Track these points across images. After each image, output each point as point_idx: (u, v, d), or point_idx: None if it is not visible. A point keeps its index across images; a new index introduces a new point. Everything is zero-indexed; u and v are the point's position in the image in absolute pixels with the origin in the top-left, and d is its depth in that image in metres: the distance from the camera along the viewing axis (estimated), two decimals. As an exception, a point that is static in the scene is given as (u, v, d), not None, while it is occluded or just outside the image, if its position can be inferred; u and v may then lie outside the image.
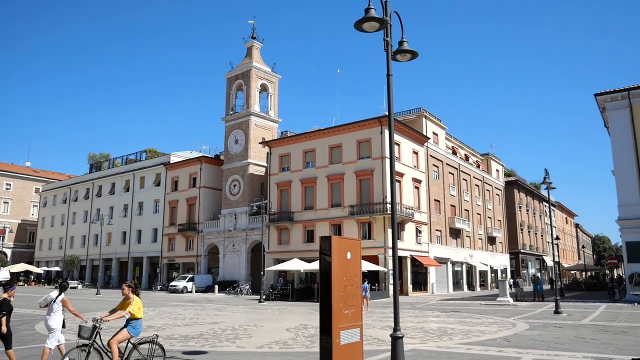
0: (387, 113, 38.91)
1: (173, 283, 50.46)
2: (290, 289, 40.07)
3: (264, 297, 35.94)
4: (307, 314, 24.56)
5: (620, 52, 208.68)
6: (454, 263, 53.08)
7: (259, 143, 53.80)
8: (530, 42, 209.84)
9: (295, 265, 39.26)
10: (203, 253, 56.31)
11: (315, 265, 35.77)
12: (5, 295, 9.89)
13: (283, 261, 43.65)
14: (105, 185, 71.20)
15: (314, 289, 37.95)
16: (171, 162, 62.61)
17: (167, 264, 60.73)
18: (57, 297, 10.21)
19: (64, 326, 10.42)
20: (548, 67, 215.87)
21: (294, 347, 13.20)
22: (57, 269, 71.48)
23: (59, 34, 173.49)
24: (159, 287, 56.05)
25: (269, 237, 48.92)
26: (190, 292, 48.81)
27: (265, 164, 54.00)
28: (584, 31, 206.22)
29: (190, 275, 51.58)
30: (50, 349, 9.98)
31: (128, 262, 65.44)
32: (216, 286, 48.48)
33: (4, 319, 9.49)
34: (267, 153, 52.19)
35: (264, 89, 57.28)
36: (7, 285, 10.47)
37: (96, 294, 44.41)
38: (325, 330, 7.73)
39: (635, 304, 29.57)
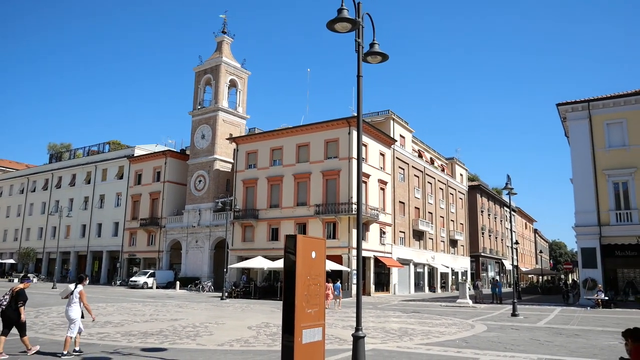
0: (355, 114, 39.11)
1: (133, 278, 49.51)
2: (253, 287, 39.85)
3: (227, 294, 35.64)
4: (270, 312, 24.48)
5: (581, 63, 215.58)
6: (416, 264, 53.80)
7: (226, 139, 53.31)
8: (497, 51, 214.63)
9: (259, 263, 39.07)
10: (165, 248, 55.43)
11: (279, 264, 35.69)
12: (22, 286, 10.97)
13: (247, 259, 43.38)
14: (66, 177, 69.26)
15: (277, 287, 37.86)
16: (135, 155, 61.42)
17: (127, 259, 59.52)
18: (74, 288, 11.18)
19: (82, 316, 11.25)
20: (513, 75, 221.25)
21: (256, 346, 13.13)
22: (12, 261, 69.11)
23: (18, 16, 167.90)
24: (118, 282, 54.92)
25: (233, 234, 48.54)
26: (151, 288, 48.01)
27: (231, 161, 53.54)
28: (549, 41, 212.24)
29: (151, 271, 50.72)
30: (71, 337, 10.92)
31: (87, 256, 63.85)
32: (178, 282, 47.82)
33: (22, 308, 10.65)
34: (234, 149, 51.75)
35: (233, 84, 56.78)
36: (24, 277, 12.02)
37: (52, 287, 43.16)
38: (287, 329, 7.73)
39: (588, 307, 30.59)
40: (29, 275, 14.63)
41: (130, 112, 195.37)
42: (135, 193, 59.65)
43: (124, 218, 60.11)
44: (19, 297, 10.66)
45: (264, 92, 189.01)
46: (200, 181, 54.11)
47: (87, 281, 12.12)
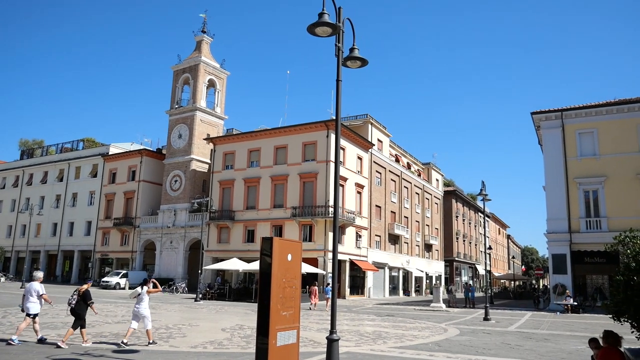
0: (334, 117, 39.27)
1: (105, 279, 48.65)
2: (228, 289, 39.59)
3: (201, 296, 35.34)
4: (244, 314, 24.37)
5: (557, 71, 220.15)
6: (391, 268, 54.13)
7: (204, 139, 52.92)
8: (473, 59, 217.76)
9: (234, 264, 38.84)
10: (139, 249, 54.70)
11: (254, 266, 35.55)
12: (86, 287, 13.04)
13: (222, 260, 43.09)
14: (37, 174, 67.80)
15: (252, 289, 37.69)
16: (110, 153, 60.53)
17: (100, 259, 58.56)
18: (142, 290, 13.14)
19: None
20: (490, 82, 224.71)
21: (229, 348, 13.06)
22: (-21, 259, 67.32)
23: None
24: (89, 283, 53.76)
25: (209, 235, 48.17)
26: (123, 288, 47.27)
27: (208, 161, 53.16)
28: (526, 48, 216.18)
29: (124, 272, 49.94)
30: (133, 329, 12.89)
31: (58, 256, 62.55)
32: (151, 283, 47.11)
33: (93, 306, 12.91)
34: (212, 150, 51.39)
35: (211, 84, 56.42)
36: (87, 278, 14.52)
37: (20, 287, 42.15)
38: (262, 331, 7.72)
39: (558, 312, 31.21)
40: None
41: (106, 109, 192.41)
42: (109, 192, 58.74)
43: (97, 217, 59.14)
44: (86, 297, 12.66)
45: (242, 93, 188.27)
46: (176, 181, 53.58)
47: (152, 284, 13.77)
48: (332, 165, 41.78)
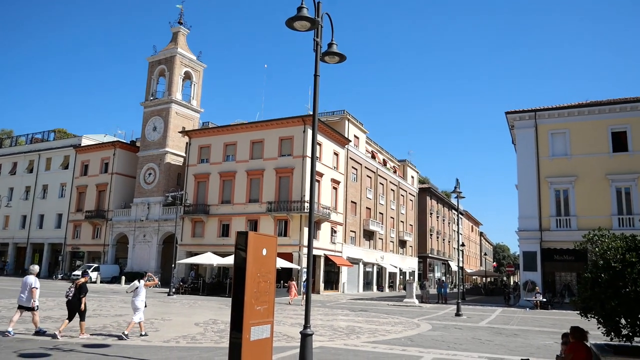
0: (311, 112, 39.28)
1: (76, 272, 47.70)
2: (202, 283, 39.32)
3: (174, 290, 34.99)
4: (218, 309, 24.23)
5: (532, 70, 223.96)
6: (365, 264, 54.48)
7: (179, 132, 52.33)
8: (450, 58, 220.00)
9: (209, 259, 38.56)
10: (111, 242, 53.90)
11: (228, 260, 35.37)
12: (84, 280, 13.24)
13: (196, 254, 42.71)
14: (6, 164, 66.08)
15: (226, 284, 37.50)
16: (82, 144, 59.37)
17: (70, 252, 57.48)
18: (139, 284, 13.74)
19: (145, 305, 13.64)
20: (466, 81, 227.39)
21: (202, 342, 12.98)
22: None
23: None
24: (60, 276, 52.91)
25: (183, 229, 47.72)
26: (95, 282, 46.49)
27: (183, 154, 52.60)
28: (502, 46, 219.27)
29: (95, 265, 49.17)
30: (136, 322, 13.29)
31: (27, 248, 61.15)
32: (123, 277, 46.55)
33: (84, 299, 12.94)
34: (187, 143, 50.85)
35: (187, 77, 55.76)
36: (84, 272, 14.78)
37: (-12, 280, 41.16)
38: (235, 326, 7.69)
39: (527, 309, 31.85)
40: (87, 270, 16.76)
41: (78, 100, 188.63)
42: (81, 184, 57.67)
43: (68, 210, 58.00)
44: (81, 290, 12.93)
45: (219, 86, 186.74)
46: (150, 174, 52.88)
47: (147, 278, 14.52)
48: (309, 161, 41.78)
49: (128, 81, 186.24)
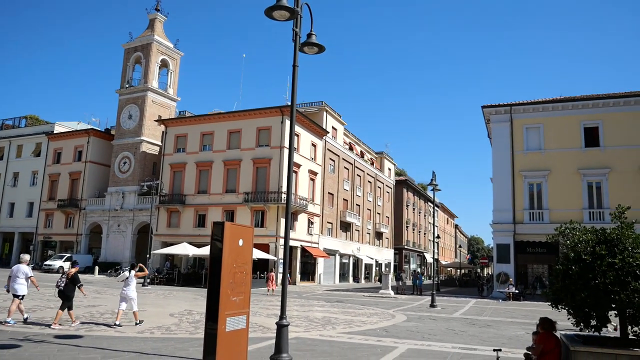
0: (289, 103, 39.10)
1: (48, 262, 46.97)
2: (177, 274, 39.03)
3: (149, 281, 34.65)
4: (193, 299, 24.09)
5: (508, 66, 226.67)
6: (342, 255, 54.72)
7: (155, 121, 51.63)
8: (427, 52, 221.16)
9: (184, 249, 38.26)
10: (84, 232, 53.05)
11: (204, 251, 35.16)
12: (74, 270, 13.64)
13: (171, 245, 42.36)
14: (-25, 151, 64.36)
15: (202, 274, 37.29)
16: (55, 132, 58.17)
17: (42, 241, 56.46)
18: (129, 273, 14.05)
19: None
20: (442, 76, 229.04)
21: (177, 333, 12.88)
22: None
23: None
24: (31, 266, 51.80)
25: (158, 219, 47.21)
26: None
27: (159, 143, 51.93)
28: (480, 39, 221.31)
29: (68, 255, 48.35)
30: (122, 310, 13.73)
31: (-4, 237, 59.84)
32: (97, 267, 45.90)
33: (82, 288, 13.69)
34: (163, 132, 50.20)
35: (164, 64, 54.94)
36: (75, 262, 15.27)
37: (-44, 270, 40.17)
38: (211, 317, 7.65)
39: (500, 300, 32.44)
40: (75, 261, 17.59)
41: (51, 86, 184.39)
42: (54, 172, 56.54)
43: (40, 198, 56.86)
44: (75, 280, 13.40)
45: (196, 75, 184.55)
46: (125, 163, 52.10)
47: (138, 268, 14.78)
48: (286, 151, 41.63)
49: (103, 68, 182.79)
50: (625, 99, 35.56)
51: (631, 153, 34.68)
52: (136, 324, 13.77)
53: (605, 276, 6.89)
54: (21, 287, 13.15)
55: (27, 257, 13.94)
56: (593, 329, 7.44)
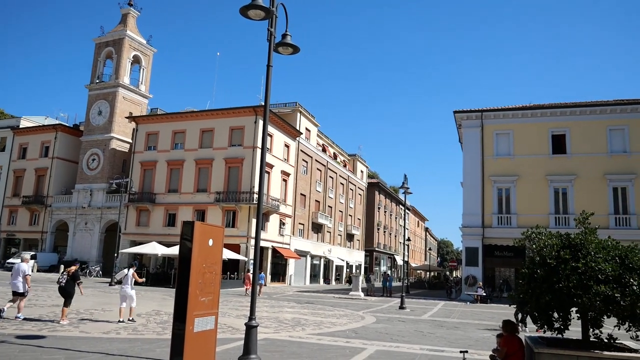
0: (263, 103, 38.96)
1: (11, 260, 45.63)
2: (146, 274, 38.38)
3: (116, 280, 34.00)
4: (162, 299, 23.77)
5: (478, 71, 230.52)
6: (313, 256, 54.75)
7: (126, 117, 50.79)
8: (401, 54, 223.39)
9: (153, 248, 37.71)
10: (50, 229, 51.78)
11: (174, 250, 34.71)
12: (75, 268, 14.33)
13: (140, 244, 41.69)
14: (-64, 144, 62.15)
15: (171, 274, 36.80)
16: (21, 126, 56.64)
17: (5, 239, 54.90)
18: (128, 272, 15.05)
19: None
20: (415, 81, 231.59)
21: (144, 334, 12.68)
22: None
23: None
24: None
25: (127, 217, 46.41)
26: (32, 270, 44.55)
27: (130, 141, 51.09)
28: (452, 44, 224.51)
29: (32, 253, 47.08)
30: (123, 307, 14.56)
31: (-43, 234, 57.87)
32: (62, 266, 44.76)
33: (81, 286, 14.30)
34: (134, 129, 49.41)
35: (136, 60, 54.09)
36: (76, 260, 16.44)
37: None
38: (179, 317, 7.56)
39: (468, 302, 32.93)
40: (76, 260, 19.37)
41: (18, 79, 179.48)
42: (19, 168, 55.06)
43: (4, 194, 55.25)
44: (75, 277, 14.11)
45: (170, 72, 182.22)
46: (94, 160, 51.08)
47: (135, 267, 15.84)
48: (259, 152, 41.48)
49: (72, 62, 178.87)
50: (591, 107, 36.61)
51: (596, 160, 35.70)
52: (129, 320, 14.51)
53: (568, 280, 7.06)
54: (22, 285, 13.83)
55: (27, 255, 14.81)
56: (556, 331, 7.62)
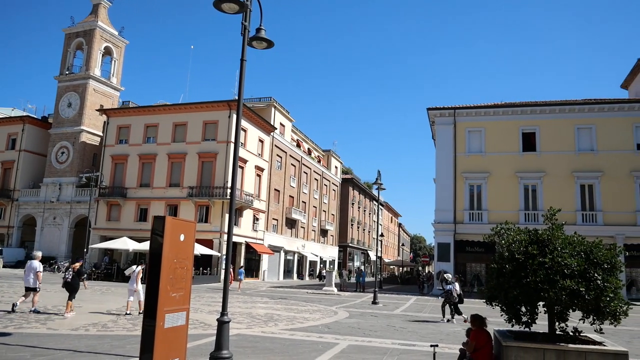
0: (237, 97, 38.69)
1: (-25, 255, 44.43)
2: (116, 269, 37.84)
3: (86, 276, 33.36)
4: (132, 295, 23.39)
5: (453, 69, 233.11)
6: (286, 252, 54.69)
7: (97, 110, 49.79)
8: (376, 50, 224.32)
9: (124, 244, 37.16)
10: (16, 224, 50.50)
11: (145, 246, 34.26)
12: (79, 264, 15.69)
13: (111, 239, 40.99)
14: None
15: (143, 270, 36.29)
16: (-14, 118, 54.95)
17: (-31, 234, 53.27)
18: (137, 268, 16.41)
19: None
20: (388, 78, 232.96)
21: (114, 330, 12.49)
22: None
23: None
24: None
25: (97, 212, 45.57)
26: None
27: (100, 134, 50.13)
28: (427, 42, 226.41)
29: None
30: (131, 301, 15.97)
31: None
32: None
33: (85, 281, 15.77)
34: (105, 122, 48.48)
35: (107, 52, 53.05)
36: (79, 257, 17.65)
37: None
38: (149, 313, 7.47)
39: (440, 297, 33.31)
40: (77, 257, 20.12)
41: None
42: (-16, 161, 53.50)
43: (-32, 188, 53.62)
44: (80, 273, 15.42)
45: (142, 65, 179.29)
46: (63, 153, 49.96)
47: (144, 265, 16.46)
48: (233, 146, 41.16)
49: (41, 52, 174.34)
50: (560, 106, 37.40)
51: (564, 158, 36.55)
52: (126, 314, 15.52)
53: (536, 275, 7.22)
54: (35, 281, 14.89)
55: (38, 253, 15.84)
56: (524, 325, 7.79)
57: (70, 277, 15.00)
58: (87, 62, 50.77)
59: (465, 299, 31.99)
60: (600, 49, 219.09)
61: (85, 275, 15.91)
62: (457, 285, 19.00)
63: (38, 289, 15.02)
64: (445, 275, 23.00)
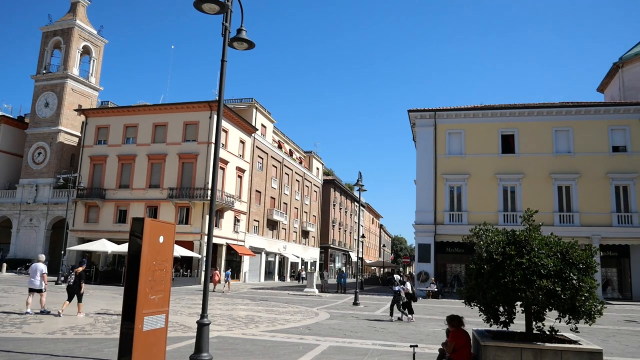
0: (218, 98, 38.52)
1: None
2: (95, 272, 37.31)
3: (63, 279, 32.86)
4: (111, 298, 23.14)
5: (434, 70, 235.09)
6: (268, 253, 54.52)
7: (75, 110, 49.07)
8: (357, 52, 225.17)
9: (103, 246, 36.66)
10: (-9, 226, 49.48)
11: (124, 248, 33.83)
12: (82, 268, 15.91)
13: (89, 241, 40.42)
14: None
15: (122, 272, 35.89)
16: (-40, 117, 53.76)
17: (-58, 236, 52.03)
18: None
19: None
20: (369, 80, 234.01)
21: (92, 334, 12.31)
22: None
23: None
24: None
25: (75, 213, 44.89)
26: (-29, 269, 42.54)
27: (79, 134, 49.41)
28: (411, 44, 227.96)
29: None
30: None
31: None
32: (5, 264, 42.95)
33: (84, 284, 15.80)
34: (83, 122, 47.77)
35: (86, 51, 52.33)
36: (82, 261, 17.45)
37: None
38: (128, 316, 7.40)
39: (420, 298, 33.58)
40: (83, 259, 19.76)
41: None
42: (-42, 161, 52.29)
43: (-59, 189, 52.39)
44: (81, 277, 15.63)
45: (122, 65, 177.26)
46: (40, 153, 49.12)
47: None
48: (213, 147, 40.93)
49: (17, 51, 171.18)
50: (538, 109, 37.98)
51: (542, 160, 37.10)
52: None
53: (513, 275, 7.32)
54: (38, 282, 15.42)
55: (42, 256, 16.44)
56: (502, 325, 7.89)
57: (72, 280, 15.57)
58: (65, 61, 50.02)
59: (446, 299, 32.55)
60: (578, 53, 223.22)
61: (84, 280, 16.13)
62: (408, 285, 19.76)
63: (44, 290, 15.57)
64: (394, 276, 24.05)
